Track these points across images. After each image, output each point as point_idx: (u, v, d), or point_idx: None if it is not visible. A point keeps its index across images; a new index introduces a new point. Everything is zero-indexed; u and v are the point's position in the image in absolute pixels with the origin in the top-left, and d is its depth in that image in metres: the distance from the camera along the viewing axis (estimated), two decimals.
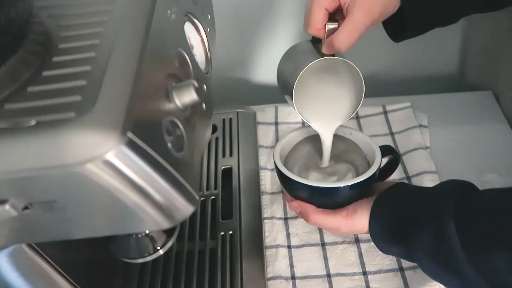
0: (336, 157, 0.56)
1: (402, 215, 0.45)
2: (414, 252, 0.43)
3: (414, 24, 0.50)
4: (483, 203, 0.40)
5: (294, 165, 0.55)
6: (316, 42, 0.49)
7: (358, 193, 0.49)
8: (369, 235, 0.48)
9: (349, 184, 0.48)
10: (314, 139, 0.56)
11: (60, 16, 0.33)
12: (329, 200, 0.51)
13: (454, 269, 0.40)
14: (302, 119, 0.71)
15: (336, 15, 0.47)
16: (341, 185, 0.48)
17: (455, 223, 0.39)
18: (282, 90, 0.51)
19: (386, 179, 0.55)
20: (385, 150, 0.53)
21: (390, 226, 0.45)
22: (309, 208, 0.51)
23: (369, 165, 0.52)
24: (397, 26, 0.50)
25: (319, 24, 0.46)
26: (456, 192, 0.42)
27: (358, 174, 0.52)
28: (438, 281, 0.44)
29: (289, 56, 0.51)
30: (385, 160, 0.54)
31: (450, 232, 0.39)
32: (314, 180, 0.52)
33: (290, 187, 0.52)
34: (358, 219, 0.47)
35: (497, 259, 0.37)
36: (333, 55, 0.47)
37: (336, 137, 0.55)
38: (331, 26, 0.46)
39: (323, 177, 0.54)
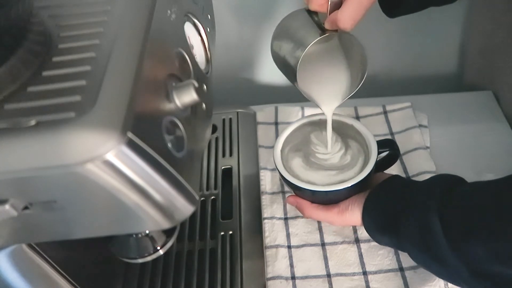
0: (339, 135, 0.56)
1: (392, 208, 0.46)
2: (402, 242, 0.45)
3: (410, 0, 0.49)
4: (466, 195, 0.42)
5: (287, 145, 0.56)
6: (312, 12, 0.47)
7: (351, 192, 0.51)
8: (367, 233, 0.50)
9: (342, 188, 0.49)
10: (314, 123, 0.57)
11: (60, 16, 0.33)
12: (322, 199, 0.53)
13: (438, 258, 0.41)
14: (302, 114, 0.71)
15: None
16: (332, 189, 0.50)
17: (439, 214, 0.41)
18: (281, 66, 0.50)
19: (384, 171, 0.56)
20: (385, 143, 0.54)
21: (381, 219, 0.47)
22: (304, 203, 0.54)
23: (368, 154, 0.53)
24: (392, 2, 0.50)
25: None
26: (443, 184, 0.44)
27: (353, 157, 0.54)
28: (426, 269, 0.46)
29: (286, 30, 0.49)
30: (385, 152, 0.55)
31: (434, 223, 0.41)
32: (303, 168, 0.54)
33: (286, 183, 0.54)
34: (350, 216, 0.50)
35: (476, 248, 0.38)
36: (335, 30, 0.44)
37: (342, 124, 0.56)
38: None
39: (309, 159, 0.55)
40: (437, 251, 0.41)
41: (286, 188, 0.63)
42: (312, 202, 0.54)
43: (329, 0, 0.43)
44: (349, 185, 0.49)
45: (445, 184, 0.44)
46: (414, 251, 0.45)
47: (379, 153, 0.52)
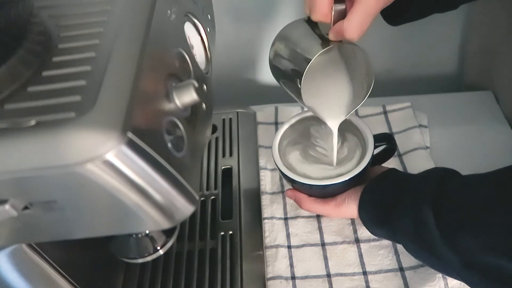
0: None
1: (387, 201, 0.47)
2: (397, 234, 0.46)
3: (417, 7, 0.48)
4: (459, 187, 0.42)
5: (285, 139, 0.57)
6: (313, 22, 0.44)
7: (348, 186, 0.52)
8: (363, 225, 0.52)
9: (338, 182, 0.50)
10: (313, 118, 0.57)
11: (60, 16, 0.33)
12: (319, 193, 0.54)
13: (431, 249, 0.42)
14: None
15: None
16: (329, 183, 0.51)
17: (432, 207, 0.41)
18: (281, 80, 0.49)
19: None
20: (382, 137, 0.54)
21: (377, 212, 0.48)
22: (302, 197, 0.55)
23: (365, 148, 0.53)
24: (395, 10, 0.48)
25: (325, 8, 0.41)
26: (437, 177, 0.44)
27: (351, 148, 0.55)
28: (420, 261, 0.47)
29: (286, 42, 0.47)
30: (382, 146, 0.55)
31: (427, 215, 0.41)
32: (300, 161, 0.55)
33: (284, 177, 0.55)
34: (346, 209, 0.51)
35: (468, 240, 0.39)
36: (339, 40, 0.42)
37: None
38: (338, 7, 0.41)
39: (309, 150, 0.56)
40: (430, 242, 0.42)
41: (286, 187, 0.63)
42: (310, 195, 0.55)
43: (333, 10, 0.41)
44: (346, 179, 0.50)
45: (439, 177, 0.44)
46: (408, 243, 0.46)
47: (376, 146, 0.53)
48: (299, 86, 0.44)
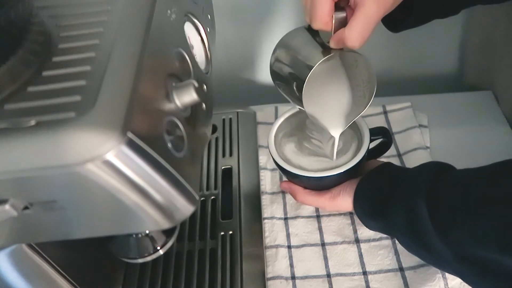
0: None
1: (382, 194, 0.47)
2: (391, 227, 0.47)
3: (418, 13, 0.48)
4: (453, 181, 0.43)
5: (281, 132, 0.57)
6: (313, 30, 0.44)
7: (343, 178, 0.52)
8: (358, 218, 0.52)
9: (334, 174, 0.50)
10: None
11: (60, 16, 0.33)
12: (315, 185, 0.54)
13: (424, 242, 0.43)
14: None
15: (341, 1, 0.42)
16: (324, 175, 0.51)
17: (426, 200, 0.42)
18: (282, 88, 0.49)
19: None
20: (378, 131, 0.54)
21: (371, 205, 0.49)
22: (297, 189, 0.55)
23: (361, 141, 0.53)
24: (396, 16, 0.48)
25: (326, 16, 0.41)
26: (431, 171, 0.45)
27: (346, 144, 0.54)
28: (413, 254, 0.48)
29: (287, 51, 0.47)
30: (378, 140, 0.55)
31: (421, 209, 0.42)
32: (294, 154, 0.55)
33: (280, 169, 0.55)
34: (341, 201, 0.51)
35: (461, 232, 0.39)
36: (341, 48, 0.42)
37: None
38: (339, 15, 0.40)
39: (304, 141, 0.56)
40: (423, 235, 0.42)
41: None
42: (305, 187, 0.55)
43: (334, 18, 0.41)
44: (341, 171, 0.50)
45: (434, 171, 0.45)
46: (402, 236, 0.46)
47: (371, 140, 0.53)
48: (301, 94, 0.44)
